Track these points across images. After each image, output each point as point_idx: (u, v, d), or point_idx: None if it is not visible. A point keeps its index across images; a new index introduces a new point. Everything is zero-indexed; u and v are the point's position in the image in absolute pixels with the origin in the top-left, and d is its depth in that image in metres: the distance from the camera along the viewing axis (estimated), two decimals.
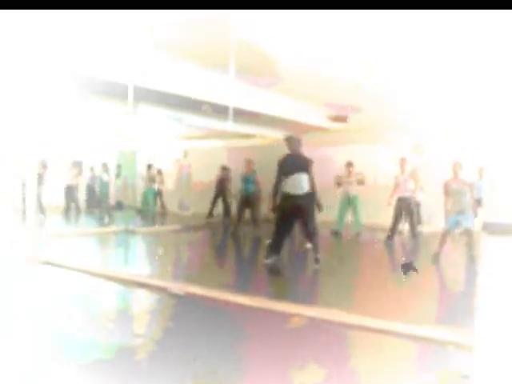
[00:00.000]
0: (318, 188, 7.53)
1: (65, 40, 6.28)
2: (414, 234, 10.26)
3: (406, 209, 10.19)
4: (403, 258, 9.08)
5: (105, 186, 14.29)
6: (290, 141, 7.50)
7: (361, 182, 11.59)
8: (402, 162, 10.33)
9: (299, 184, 7.20)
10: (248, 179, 11.27)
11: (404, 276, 6.79)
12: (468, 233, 7.89)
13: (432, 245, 9.70)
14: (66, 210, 15.39)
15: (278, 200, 7.44)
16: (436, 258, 7.88)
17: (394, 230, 10.24)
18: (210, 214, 14.11)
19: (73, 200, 15.63)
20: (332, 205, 11.74)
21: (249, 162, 11.49)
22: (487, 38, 6.36)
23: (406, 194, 10.15)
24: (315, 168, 7.46)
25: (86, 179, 16.62)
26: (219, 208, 14.39)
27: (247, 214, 11.55)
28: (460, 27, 5.99)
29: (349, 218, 11.79)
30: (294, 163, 7.34)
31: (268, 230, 8.63)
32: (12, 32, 5.74)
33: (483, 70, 7.89)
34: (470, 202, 7.83)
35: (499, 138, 11.61)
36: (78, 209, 15.83)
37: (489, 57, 7.13)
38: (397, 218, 10.24)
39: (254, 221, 11.33)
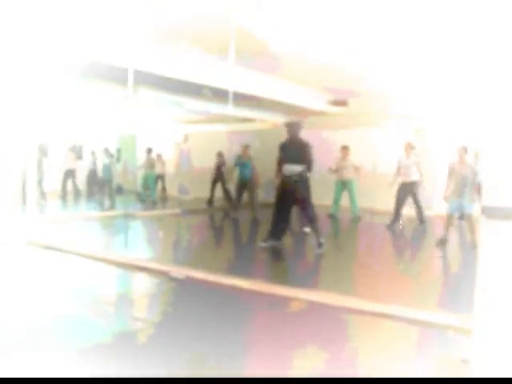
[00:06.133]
0: (317, 173, 7.60)
1: (64, 24, 6.22)
2: (421, 219, 10.20)
3: (411, 194, 10.13)
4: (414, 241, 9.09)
5: (107, 170, 14.26)
6: (290, 126, 7.58)
7: (356, 170, 11.57)
8: (408, 146, 10.23)
9: (292, 169, 7.31)
10: (245, 165, 11.41)
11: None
12: (468, 218, 7.91)
13: (433, 229, 9.75)
14: (63, 195, 15.41)
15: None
16: (443, 242, 7.88)
17: (397, 215, 10.18)
18: (210, 202, 14.15)
19: (72, 180, 15.66)
20: (330, 188, 11.79)
21: (245, 148, 11.62)
22: (489, 24, 6.30)
23: (411, 179, 10.06)
24: (314, 152, 7.48)
25: (88, 163, 16.60)
26: (219, 193, 14.45)
27: (246, 198, 11.77)
28: (461, 14, 5.94)
29: (346, 201, 11.79)
30: (290, 152, 7.47)
31: (267, 214, 8.65)
32: (11, 17, 5.69)
33: (483, 58, 7.84)
34: (472, 187, 7.82)
35: (498, 122, 11.57)
36: (76, 193, 15.85)
37: (489, 45, 7.07)
38: (400, 203, 10.16)
39: (253, 205, 11.49)
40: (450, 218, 7.99)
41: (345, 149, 11.67)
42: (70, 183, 15.77)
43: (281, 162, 7.52)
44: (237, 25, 6.32)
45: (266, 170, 11.15)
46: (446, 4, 5.57)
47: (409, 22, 6.30)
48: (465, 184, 7.79)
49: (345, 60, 8.17)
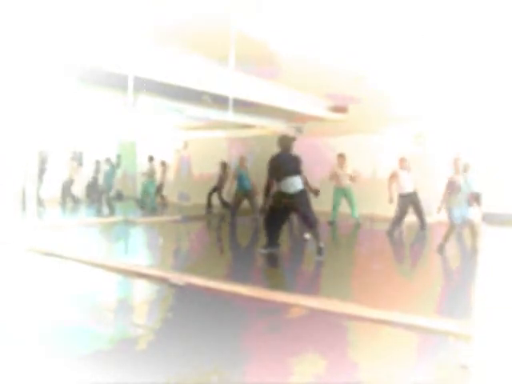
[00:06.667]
0: (317, 178, 7.58)
1: (64, 30, 6.24)
2: (423, 226, 10.24)
3: (412, 204, 10.14)
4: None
5: (109, 178, 14.26)
6: (284, 140, 7.54)
7: (352, 179, 11.59)
8: (402, 160, 10.26)
9: (292, 185, 7.21)
10: (244, 176, 11.54)
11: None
12: (470, 223, 7.95)
13: (433, 235, 9.76)
14: (63, 203, 15.41)
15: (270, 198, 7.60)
16: (441, 249, 7.90)
17: (396, 225, 10.13)
18: (209, 208, 14.26)
19: (70, 193, 15.68)
20: (329, 195, 11.79)
21: (242, 159, 11.73)
22: (489, 29, 6.33)
23: (409, 191, 10.06)
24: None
25: (90, 171, 16.59)
26: (217, 199, 14.59)
27: (244, 205, 12.05)
28: (461, 19, 5.96)
29: (345, 208, 11.80)
30: (284, 166, 7.31)
31: None
32: (10, 22, 5.71)
33: (483, 64, 7.89)
34: (468, 195, 7.91)
35: (499, 131, 11.60)
36: (75, 201, 15.85)
37: (490, 47, 7.10)
38: (401, 215, 10.11)
39: (254, 213, 11.68)
40: (452, 227, 8.00)
41: (341, 157, 11.67)
42: (69, 191, 15.77)
43: (270, 184, 7.41)
44: (237, 29, 6.33)
45: (265, 176, 11.17)
46: (445, 4, 5.58)
47: (408, 22, 6.30)
48: (462, 192, 7.86)
49: (345, 62, 8.17)
